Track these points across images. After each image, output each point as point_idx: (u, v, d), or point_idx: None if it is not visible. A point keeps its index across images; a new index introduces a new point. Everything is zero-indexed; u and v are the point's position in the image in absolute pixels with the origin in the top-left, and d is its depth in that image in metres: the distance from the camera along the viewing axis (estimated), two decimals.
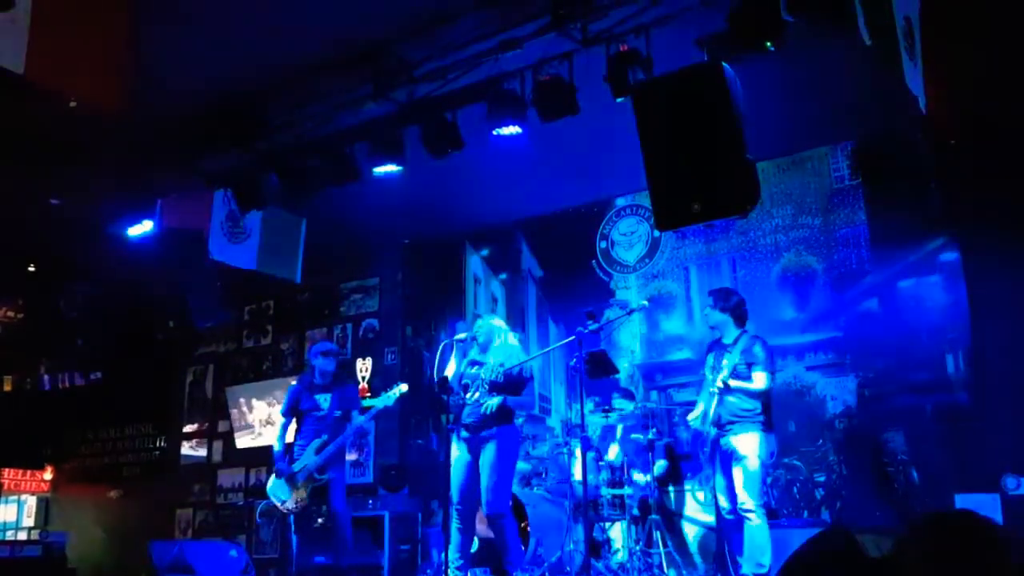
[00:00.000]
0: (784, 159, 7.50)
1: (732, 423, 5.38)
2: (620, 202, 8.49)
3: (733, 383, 5.31)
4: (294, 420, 6.79)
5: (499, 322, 6.05)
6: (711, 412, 5.43)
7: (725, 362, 5.42)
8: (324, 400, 6.71)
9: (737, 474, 5.32)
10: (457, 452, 5.64)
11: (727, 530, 5.54)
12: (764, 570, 5.13)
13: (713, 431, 5.44)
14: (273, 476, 6.62)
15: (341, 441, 6.56)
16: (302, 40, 6.03)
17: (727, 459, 5.41)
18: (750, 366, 5.35)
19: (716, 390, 5.35)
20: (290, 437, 6.76)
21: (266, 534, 9.58)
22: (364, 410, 6.70)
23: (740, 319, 5.65)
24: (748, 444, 5.33)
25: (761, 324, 7.30)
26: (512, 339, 5.96)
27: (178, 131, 6.93)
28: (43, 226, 8.62)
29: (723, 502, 5.50)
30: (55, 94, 5.94)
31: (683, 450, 6.94)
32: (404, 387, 6.40)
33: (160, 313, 7.21)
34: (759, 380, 5.40)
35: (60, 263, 9.66)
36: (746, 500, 5.25)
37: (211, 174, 7.35)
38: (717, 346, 5.68)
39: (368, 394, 8.89)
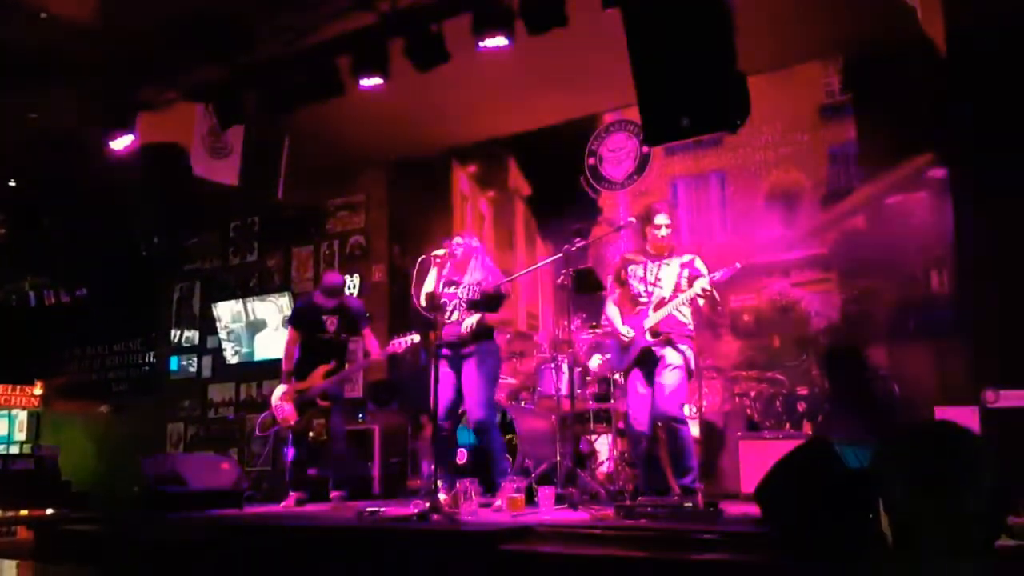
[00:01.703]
0: (774, 73, 7.38)
1: (670, 334, 5.31)
2: (608, 118, 8.40)
3: (705, 291, 5.20)
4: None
5: (477, 240, 6.07)
6: (652, 322, 5.32)
7: (666, 274, 5.37)
8: (330, 323, 6.77)
9: (671, 384, 5.21)
10: (440, 369, 5.69)
11: (646, 444, 5.42)
12: (693, 469, 5.23)
13: (649, 338, 5.33)
14: (278, 390, 6.70)
15: (349, 372, 6.70)
16: None
17: (653, 368, 5.31)
18: (694, 279, 5.30)
19: (703, 291, 5.14)
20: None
21: (258, 447, 9.72)
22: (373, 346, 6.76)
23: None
24: (688, 356, 5.31)
25: (748, 240, 7.37)
26: (489, 259, 5.97)
27: (159, 45, 6.77)
28: (24, 141, 8.49)
29: (641, 415, 5.34)
30: (25, 5, 5.79)
31: None
32: (416, 337, 6.33)
33: (144, 229, 7.16)
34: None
35: (42, 179, 9.55)
36: (676, 411, 5.22)
37: (192, 88, 7.22)
38: (648, 257, 5.53)
39: None
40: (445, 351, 5.73)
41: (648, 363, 5.35)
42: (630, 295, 5.54)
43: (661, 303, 5.33)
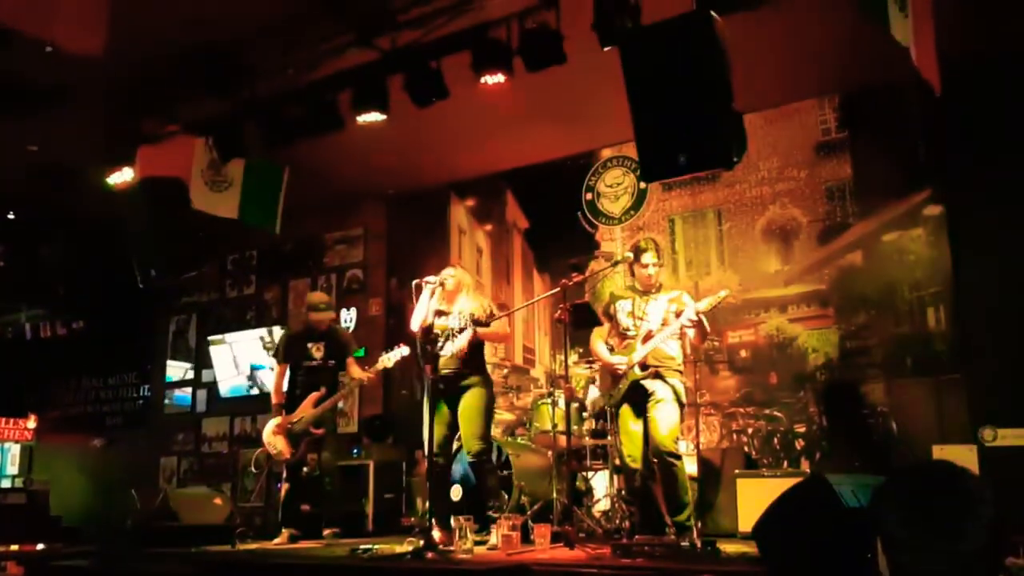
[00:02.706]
0: (771, 111, 7.45)
1: (659, 367, 5.32)
2: (606, 153, 8.45)
3: (692, 321, 5.22)
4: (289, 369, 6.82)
5: (468, 274, 6.07)
6: (641, 356, 5.33)
7: (653, 309, 5.39)
8: (317, 350, 6.73)
9: (665, 419, 5.22)
10: (435, 404, 5.65)
11: (640, 481, 5.39)
12: (688, 506, 5.20)
13: (638, 372, 5.34)
14: (269, 424, 6.65)
15: (340, 397, 6.65)
16: None
17: (643, 403, 5.32)
18: (680, 313, 5.30)
19: (690, 321, 5.17)
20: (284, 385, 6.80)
21: (251, 482, 9.63)
22: (363, 368, 6.69)
23: None
24: (677, 389, 5.31)
25: (745, 276, 7.39)
26: (479, 292, 5.94)
27: (159, 78, 6.81)
28: (23, 173, 8.50)
29: (635, 451, 5.34)
30: (31, 38, 5.82)
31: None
32: (406, 350, 6.24)
33: (142, 262, 7.15)
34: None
35: (40, 211, 9.55)
36: (672, 446, 5.21)
37: (192, 122, 7.25)
38: (635, 293, 5.56)
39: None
40: (440, 386, 5.67)
41: (637, 398, 5.34)
42: (618, 330, 5.56)
43: (648, 336, 5.35)
